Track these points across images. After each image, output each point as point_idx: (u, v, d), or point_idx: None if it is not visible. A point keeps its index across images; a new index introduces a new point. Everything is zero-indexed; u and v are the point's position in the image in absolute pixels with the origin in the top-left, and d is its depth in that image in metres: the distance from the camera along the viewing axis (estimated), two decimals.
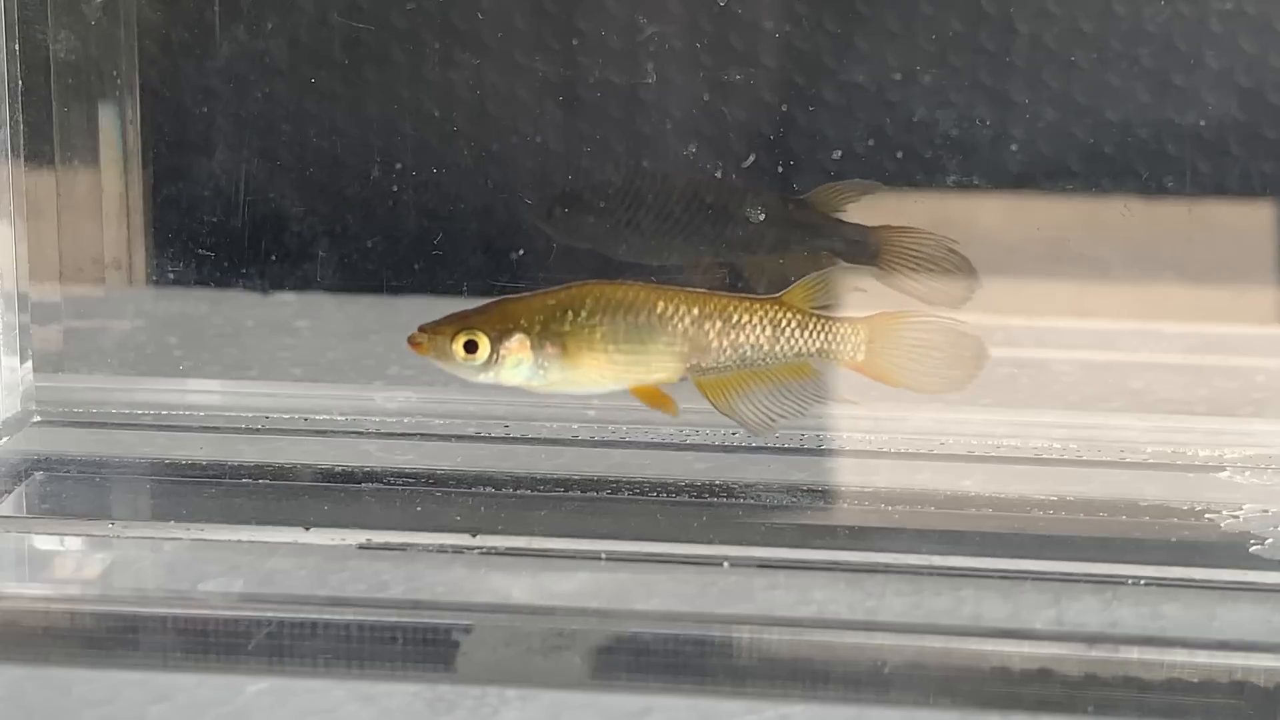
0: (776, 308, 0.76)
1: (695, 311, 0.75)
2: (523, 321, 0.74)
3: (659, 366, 0.75)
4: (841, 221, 0.85)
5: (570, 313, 0.74)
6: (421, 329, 0.75)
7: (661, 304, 0.75)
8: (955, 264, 0.84)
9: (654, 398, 0.76)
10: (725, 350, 0.75)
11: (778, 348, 0.76)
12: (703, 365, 0.76)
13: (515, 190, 0.90)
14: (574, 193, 0.88)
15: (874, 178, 0.88)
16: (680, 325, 0.75)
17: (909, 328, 0.77)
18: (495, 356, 0.74)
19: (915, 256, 0.83)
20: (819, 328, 0.76)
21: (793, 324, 0.76)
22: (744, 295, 0.76)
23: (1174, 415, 0.87)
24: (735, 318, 0.76)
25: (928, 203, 0.89)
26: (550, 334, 0.74)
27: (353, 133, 0.91)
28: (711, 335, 0.75)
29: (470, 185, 0.90)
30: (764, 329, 0.76)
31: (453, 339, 0.74)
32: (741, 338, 0.76)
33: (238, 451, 0.84)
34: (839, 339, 0.76)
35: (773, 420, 0.77)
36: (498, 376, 0.75)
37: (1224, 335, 0.92)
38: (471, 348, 0.74)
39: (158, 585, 0.74)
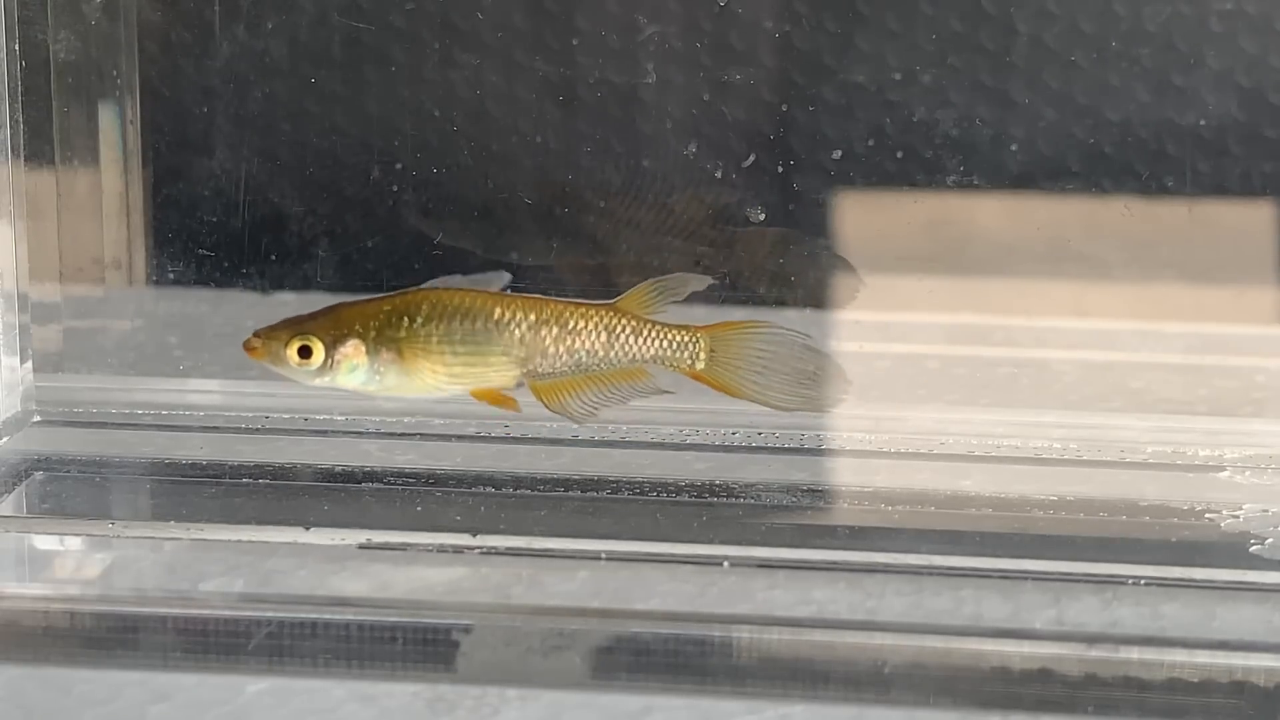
0: (612, 314, 0.76)
1: (532, 318, 0.76)
2: (358, 327, 0.75)
3: (496, 372, 0.76)
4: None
5: (406, 318, 0.75)
6: (256, 334, 0.76)
7: (499, 310, 0.76)
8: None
9: (494, 399, 0.76)
10: (561, 356, 0.76)
11: (612, 353, 0.76)
12: (539, 370, 0.76)
13: (515, 190, 0.90)
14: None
15: (874, 177, 0.89)
16: (517, 332, 0.76)
17: (752, 338, 0.77)
18: (330, 361, 0.75)
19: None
20: (655, 335, 0.76)
21: (627, 330, 0.76)
22: (580, 301, 0.77)
23: (1174, 415, 0.87)
24: (571, 324, 0.76)
25: (928, 202, 0.89)
26: (385, 339, 0.75)
27: (353, 133, 0.91)
28: (548, 341, 0.76)
29: (470, 185, 0.90)
30: (599, 335, 0.76)
31: (287, 344, 0.75)
32: (577, 344, 0.76)
33: (238, 451, 0.84)
34: (677, 346, 0.76)
35: (595, 410, 0.77)
36: (333, 381, 0.75)
37: (1224, 335, 0.92)
38: (306, 353, 0.75)
39: (158, 585, 0.74)
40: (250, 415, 0.87)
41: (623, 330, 0.76)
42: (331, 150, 0.90)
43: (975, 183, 0.88)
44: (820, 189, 0.89)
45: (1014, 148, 0.88)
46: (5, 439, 0.86)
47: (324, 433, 0.86)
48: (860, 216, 0.89)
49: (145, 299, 0.92)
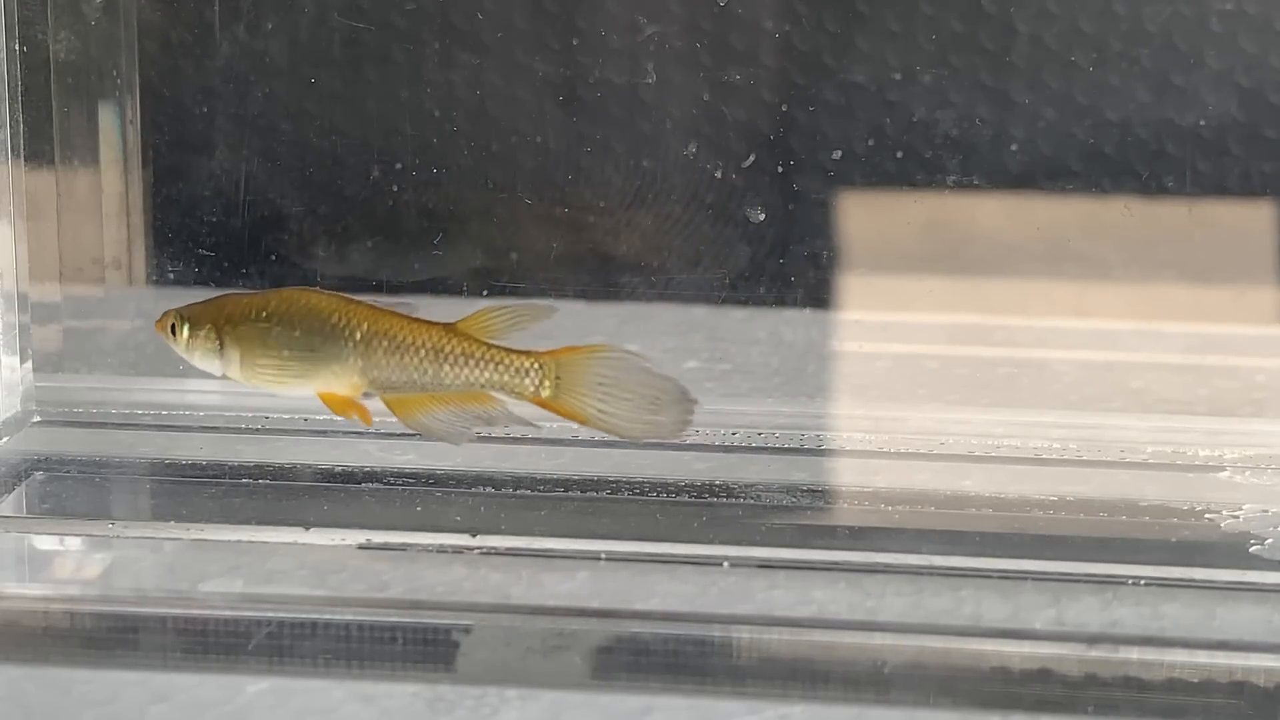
0: (443, 335, 0.75)
1: (365, 327, 0.75)
2: (219, 315, 0.77)
3: (337, 378, 0.76)
4: None
5: (255, 313, 0.76)
6: (165, 313, 0.78)
7: (335, 317, 0.76)
8: None
9: (339, 405, 0.76)
10: (394, 370, 0.75)
11: (443, 374, 0.75)
12: (381, 381, 0.75)
13: (516, 190, 0.90)
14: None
15: (874, 177, 0.89)
16: (351, 340, 0.75)
17: (597, 364, 0.75)
18: (190, 344, 0.77)
19: None
20: (490, 359, 0.75)
21: (457, 352, 0.75)
22: (418, 319, 0.76)
23: (1174, 415, 0.87)
24: (401, 338, 0.75)
25: (928, 202, 0.89)
26: (233, 330, 0.76)
27: (353, 133, 0.91)
28: (379, 353, 0.75)
29: (470, 185, 0.90)
30: (428, 354, 0.75)
31: (161, 320, 0.77)
32: (407, 360, 0.75)
33: (238, 451, 0.84)
34: (515, 373, 0.75)
35: (464, 430, 0.76)
36: (201, 364, 0.77)
37: (1224, 335, 0.92)
38: (174, 331, 0.77)
39: (158, 585, 0.74)
40: (250, 415, 0.87)
41: (452, 352, 0.75)
42: (331, 150, 0.90)
43: (975, 183, 0.88)
44: (820, 189, 0.89)
45: (1014, 148, 0.88)
46: (5, 439, 0.86)
47: (324, 433, 0.86)
48: (860, 216, 0.89)
49: (145, 299, 0.92)
